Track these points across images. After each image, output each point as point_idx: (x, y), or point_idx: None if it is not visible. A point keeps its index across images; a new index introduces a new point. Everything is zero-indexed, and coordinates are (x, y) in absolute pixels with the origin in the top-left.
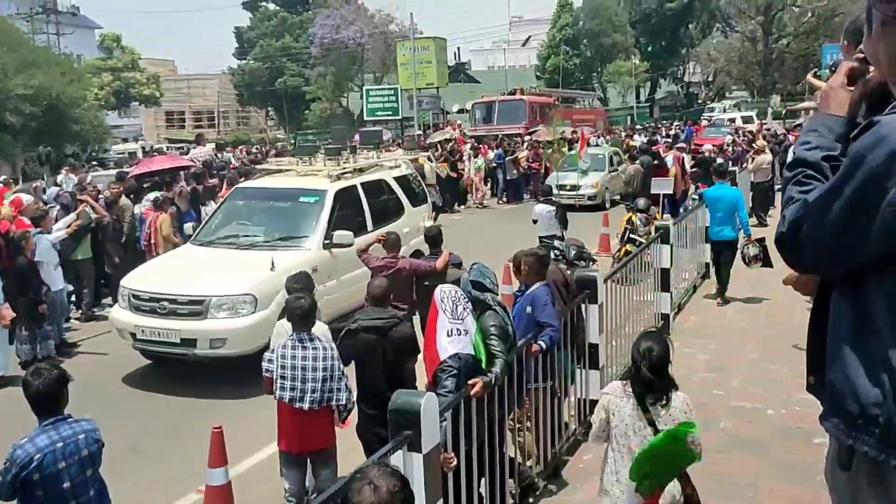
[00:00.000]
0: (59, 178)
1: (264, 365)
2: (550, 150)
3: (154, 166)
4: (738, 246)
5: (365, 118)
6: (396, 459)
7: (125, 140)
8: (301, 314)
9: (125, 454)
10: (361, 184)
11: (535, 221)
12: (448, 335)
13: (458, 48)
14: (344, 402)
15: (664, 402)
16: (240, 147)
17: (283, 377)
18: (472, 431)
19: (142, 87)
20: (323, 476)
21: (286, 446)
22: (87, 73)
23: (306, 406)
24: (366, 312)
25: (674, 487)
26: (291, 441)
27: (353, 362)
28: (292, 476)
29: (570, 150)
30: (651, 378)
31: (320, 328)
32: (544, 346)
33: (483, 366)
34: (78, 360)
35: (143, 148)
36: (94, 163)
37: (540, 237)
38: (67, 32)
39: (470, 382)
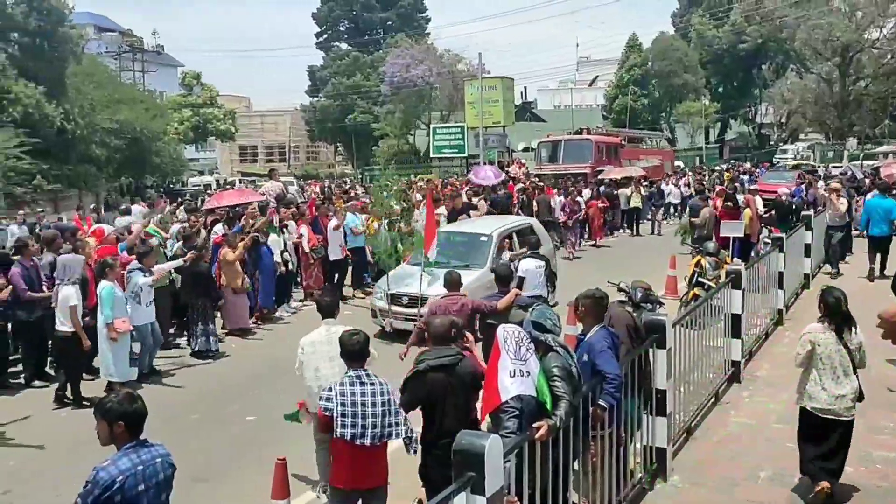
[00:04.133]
0: (135, 208)
1: (322, 404)
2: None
3: (224, 201)
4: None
5: (431, 155)
6: (459, 502)
7: (201, 173)
8: (358, 350)
9: (189, 482)
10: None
11: (521, 279)
12: (511, 375)
13: (525, 87)
14: (407, 435)
15: (852, 331)
16: (309, 181)
17: (343, 415)
18: (535, 475)
19: (218, 123)
20: None
21: (343, 483)
22: (168, 109)
23: (368, 442)
24: (430, 352)
25: None
26: (349, 478)
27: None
28: None
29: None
30: (848, 313)
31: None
32: (606, 406)
33: (547, 408)
34: (150, 387)
35: (218, 181)
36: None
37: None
38: (152, 70)
39: (535, 425)
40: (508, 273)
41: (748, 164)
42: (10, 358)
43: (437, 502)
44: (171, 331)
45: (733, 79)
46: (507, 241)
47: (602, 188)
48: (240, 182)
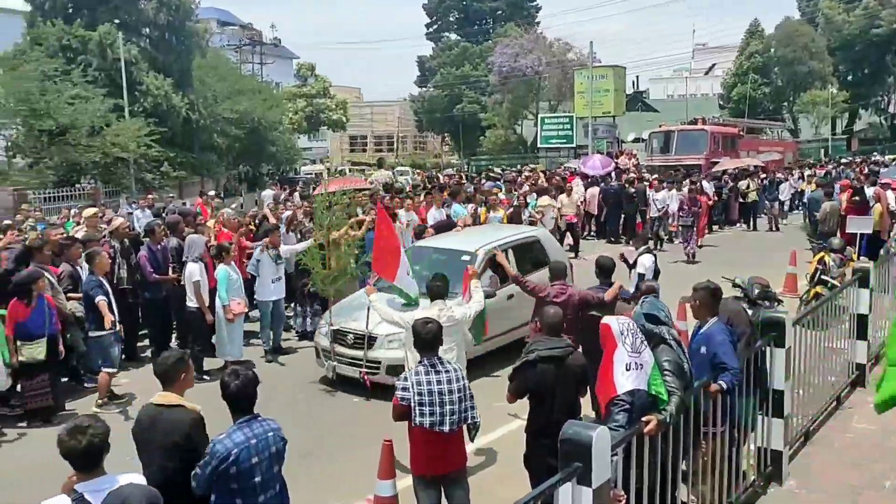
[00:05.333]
0: (266, 192)
1: (399, 393)
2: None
3: (332, 187)
4: None
5: (538, 146)
6: (564, 492)
7: (313, 162)
8: (432, 338)
9: (297, 459)
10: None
11: (641, 276)
12: (626, 369)
13: (637, 77)
14: (474, 421)
15: None
16: (417, 171)
17: (421, 404)
18: (643, 471)
19: (331, 113)
20: (457, 497)
21: (424, 469)
22: (284, 100)
23: (447, 429)
24: (541, 342)
25: None
26: (429, 464)
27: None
28: (430, 498)
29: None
30: None
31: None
32: (725, 386)
33: (663, 399)
34: (270, 366)
35: (328, 169)
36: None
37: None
38: (269, 62)
39: (644, 419)
40: (612, 265)
41: (881, 157)
42: (139, 333)
43: (543, 490)
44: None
45: (864, 66)
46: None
47: (710, 181)
48: (349, 171)
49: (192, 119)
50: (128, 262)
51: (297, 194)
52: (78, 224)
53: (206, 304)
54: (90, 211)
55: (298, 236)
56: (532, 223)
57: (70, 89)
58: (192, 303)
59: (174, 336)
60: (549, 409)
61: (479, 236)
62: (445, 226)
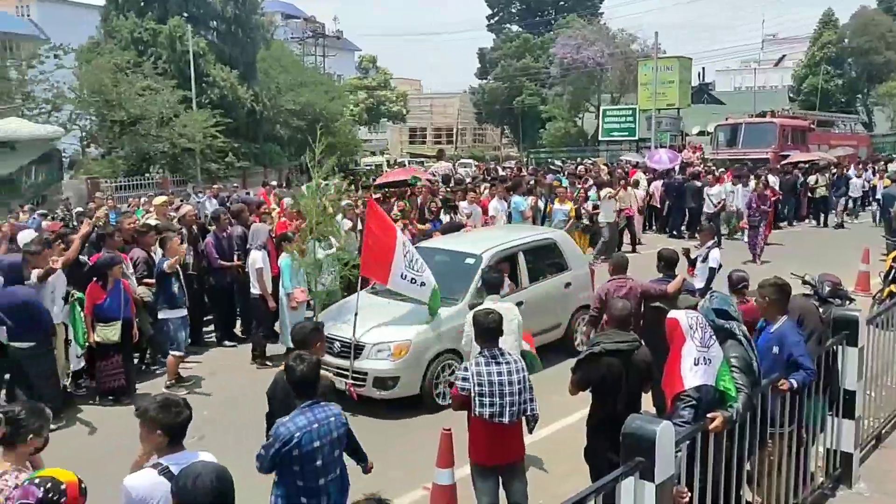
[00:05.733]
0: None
1: (459, 384)
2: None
3: (392, 177)
4: None
5: (599, 138)
6: (627, 486)
7: (373, 153)
8: (495, 328)
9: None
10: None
11: (713, 270)
12: (695, 364)
13: (703, 68)
14: (533, 413)
15: None
16: (477, 164)
17: (481, 394)
18: (707, 468)
19: (391, 105)
20: (515, 489)
21: (482, 459)
22: (345, 92)
23: (507, 420)
24: (607, 335)
25: None
26: (488, 454)
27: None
28: (488, 487)
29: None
30: None
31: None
32: (795, 384)
33: (732, 395)
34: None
35: (388, 161)
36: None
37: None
38: (331, 55)
39: (709, 416)
40: (676, 257)
41: None
42: (204, 318)
43: (604, 484)
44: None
45: None
46: (504, 264)
47: (776, 175)
48: (408, 163)
49: (256, 110)
50: (195, 249)
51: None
52: (148, 212)
53: (269, 291)
54: (160, 199)
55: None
56: (592, 217)
57: (141, 81)
58: (255, 289)
59: (238, 322)
60: (612, 403)
61: (487, 238)
62: (453, 227)
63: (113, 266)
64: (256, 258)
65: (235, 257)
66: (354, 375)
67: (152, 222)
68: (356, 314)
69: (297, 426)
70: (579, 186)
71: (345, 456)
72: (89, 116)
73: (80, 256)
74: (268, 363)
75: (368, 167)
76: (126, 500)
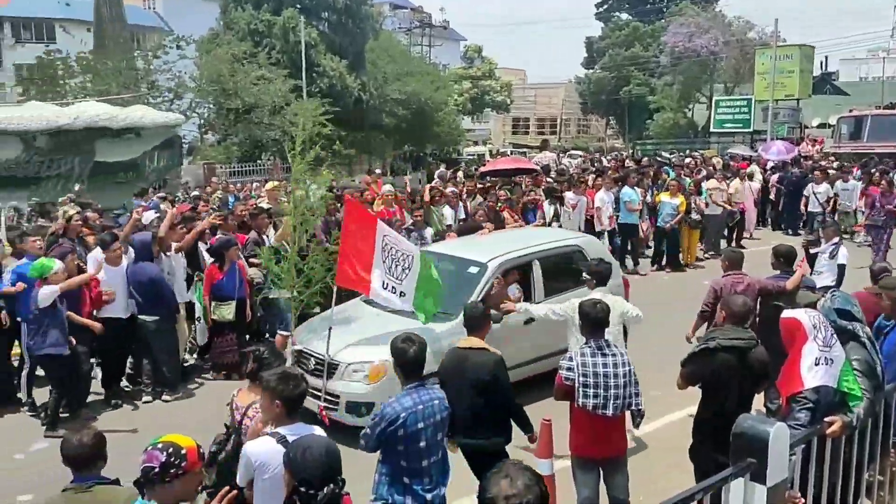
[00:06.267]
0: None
1: (563, 373)
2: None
3: (499, 166)
4: None
5: (711, 130)
6: (737, 487)
7: (475, 143)
8: (602, 319)
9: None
10: None
11: (843, 267)
12: (815, 364)
13: (826, 57)
14: (639, 407)
15: None
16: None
17: (585, 385)
18: (823, 473)
19: (495, 95)
20: (616, 483)
21: (584, 451)
22: (450, 81)
23: (610, 413)
24: (723, 331)
25: None
26: (590, 446)
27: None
28: (589, 480)
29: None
30: None
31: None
32: None
33: (857, 397)
34: None
35: (490, 151)
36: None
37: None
38: (437, 44)
39: (827, 420)
40: (793, 252)
41: None
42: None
43: (712, 484)
44: None
45: None
46: (514, 273)
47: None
48: (510, 153)
49: (363, 99)
50: (305, 232)
51: (460, 173)
52: (260, 196)
53: None
54: (271, 184)
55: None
56: (701, 211)
57: (256, 71)
58: None
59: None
60: (723, 401)
61: (499, 244)
62: (469, 228)
63: (229, 248)
64: None
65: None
66: (327, 398)
67: (264, 206)
68: (330, 328)
69: (403, 406)
70: (689, 179)
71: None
72: (207, 105)
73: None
74: None
75: (471, 156)
76: (246, 465)
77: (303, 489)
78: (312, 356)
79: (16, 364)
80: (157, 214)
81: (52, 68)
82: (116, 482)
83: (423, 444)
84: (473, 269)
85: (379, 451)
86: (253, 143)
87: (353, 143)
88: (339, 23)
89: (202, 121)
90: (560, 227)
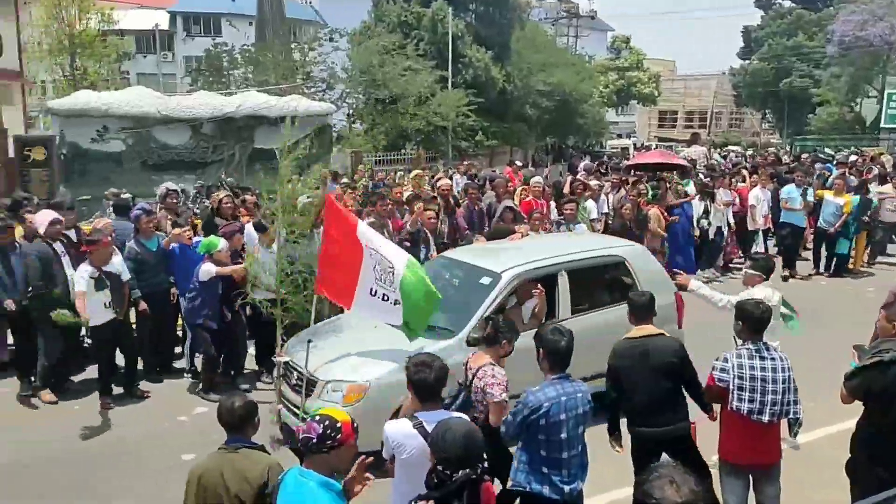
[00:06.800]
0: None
1: (716, 374)
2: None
3: (646, 159)
4: None
5: (881, 125)
6: None
7: (619, 136)
8: (764, 321)
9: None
10: None
11: None
12: None
13: None
14: (796, 416)
15: None
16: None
17: (741, 388)
18: None
19: (642, 86)
20: (768, 493)
21: (734, 457)
22: (596, 72)
23: (766, 419)
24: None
25: None
26: (740, 452)
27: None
28: (737, 488)
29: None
30: None
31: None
32: None
33: None
34: None
35: (635, 144)
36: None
37: None
38: (584, 35)
39: None
40: None
41: None
42: None
43: (881, 501)
44: None
45: None
46: (533, 286)
47: None
48: (656, 147)
49: (507, 90)
50: (448, 220)
51: (605, 166)
52: (404, 184)
53: None
54: (416, 173)
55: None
56: (874, 215)
57: (403, 62)
58: None
59: None
60: (893, 417)
61: (523, 252)
62: (501, 232)
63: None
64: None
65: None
66: (304, 416)
67: (409, 194)
68: (310, 340)
69: (547, 396)
70: (856, 178)
71: None
72: (357, 95)
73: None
74: None
75: (614, 150)
76: (385, 443)
77: (440, 468)
78: (296, 370)
79: (180, 335)
80: None
81: (218, 60)
82: (262, 448)
83: (563, 435)
84: (486, 280)
85: (518, 440)
86: (398, 133)
87: (496, 133)
88: (485, 14)
89: (351, 110)
90: (710, 224)
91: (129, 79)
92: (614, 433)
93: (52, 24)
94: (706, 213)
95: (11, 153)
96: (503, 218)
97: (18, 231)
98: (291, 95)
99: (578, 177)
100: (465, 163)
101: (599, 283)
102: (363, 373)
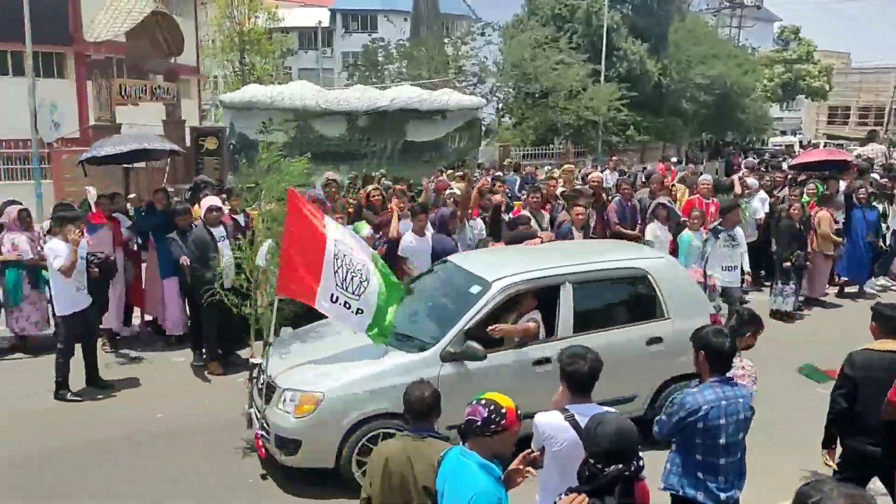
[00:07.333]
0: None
1: None
2: None
3: (812, 157)
4: None
5: None
6: None
7: (783, 133)
8: None
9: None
10: None
11: None
12: None
13: None
14: None
15: None
16: None
17: None
18: None
19: (812, 80)
20: None
21: None
22: (760, 65)
23: None
24: None
25: None
26: None
27: None
28: None
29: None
30: None
31: None
32: None
33: None
34: None
35: (801, 142)
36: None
37: None
38: (748, 25)
39: None
40: None
41: None
42: None
43: None
44: None
45: None
46: (527, 298)
47: None
48: (824, 145)
49: (663, 83)
50: (598, 214)
51: (766, 164)
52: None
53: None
54: (567, 167)
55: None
56: None
57: (556, 55)
58: None
59: None
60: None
61: (526, 260)
62: (520, 237)
63: (527, 238)
64: (651, 229)
65: (637, 228)
66: (264, 423)
67: (559, 190)
68: (270, 344)
69: (706, 399)
70: None
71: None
72: (507, 89)
73: None
74: None
75: (777, 147)
76: (535, 434)
77: (592, 461)
78: (263, 373)
79: None
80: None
81: (374, 55)
82: (447, 439)
83: (722, 440)
84: (475, 289)
85: (672, 441)
86: (547, 127)
87: (649, 128)
88: (643, 5)
89: (500, 105)
90: (889, 229)
91: (290, 74)
92: (831, 447)
93: (225, 22)
94: (884, 216)
95: (188, 143)
96: (656, 214)
97: (197, 212)
98: (443, 89)
99: (741, 175)
100: (615, 158)
101: (613, 299)
102: (318, 383)
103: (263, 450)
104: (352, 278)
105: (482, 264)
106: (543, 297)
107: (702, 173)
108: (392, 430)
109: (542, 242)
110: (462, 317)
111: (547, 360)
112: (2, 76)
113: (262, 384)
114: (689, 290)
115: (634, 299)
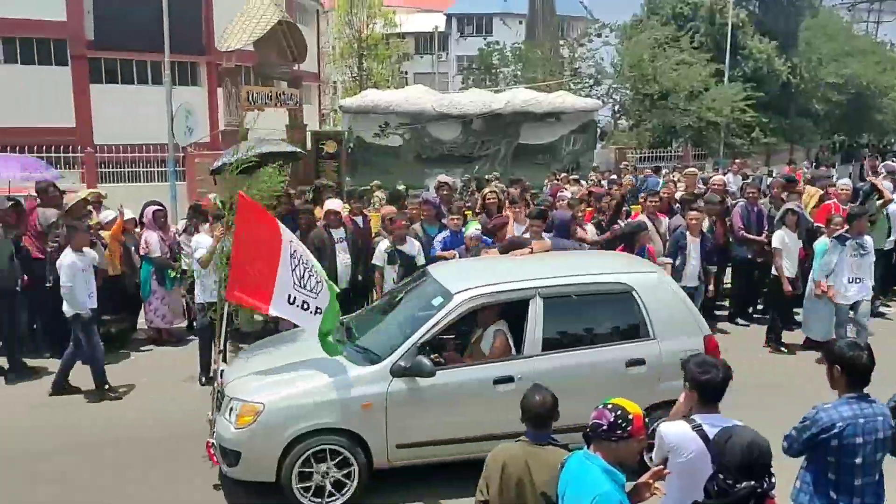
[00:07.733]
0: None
1: None
2: None
3: None
4: None
5: None
6: None
7: None
8: None
9: None
10: None
11: None
12: None
13: None
14: None
15: None
16: None
17: None
18: None
19: None
20: None
21: None
22: None
23: None
24: None
25: None
26: None
27: None
28: None
29: None
30: None
31: None
32: None
33: None
34: None
35: None
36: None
37: None
38: (887, 20)
39: None
40: None
41: None
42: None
43: None
44: None
45: None
46: (490, 312)
47: None
48: None
49: (792, 83)
50: (720, 219)
51: None
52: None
53: (786, 275)
54: (690, 171)
55: None
56: None
57: (677, 55)
58: (781, 271)
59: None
60: None
61: (499, 271)
62: (515, 244)
63: (640, 232)
64: (779, 237)
65: (764, 235)
66: (213, 431)
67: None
68: (221, 351)
69: (841, 416)
70: None
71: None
72: (624, 90)
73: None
74: (783, 349)
75: None
76: (659, 444)
77: (721, 476)
78: (220, 380)
79: None
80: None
81: (489, 58)
82: (565, 447)
83: (858, 460)
84: (437, 300)
85: (803, 457)
86: (665, 129)
87: (775, 130)
88: (771, 2)
89: (617, 106)
90: None
91: (406, 78)
92: None
93: (345, 29)
94: None
95: (308, 146)
96: (785, 220)
97: (318, 213)
98: (558, 92)
99: (880, 179)
100: (738, 161)
101: (591, 316)
102: (259, 393)
103: (216, 458)
104: (309, 277)
105: (451, 275)
106: (513, 312)
107: (831, 176)
108: (336, 448)
109: (531, 252)
110: (420, 328)
111: (510, 379)
112: (143, 85)
113: (218, 391)
114: (681, 309)
115: (615, 317)
